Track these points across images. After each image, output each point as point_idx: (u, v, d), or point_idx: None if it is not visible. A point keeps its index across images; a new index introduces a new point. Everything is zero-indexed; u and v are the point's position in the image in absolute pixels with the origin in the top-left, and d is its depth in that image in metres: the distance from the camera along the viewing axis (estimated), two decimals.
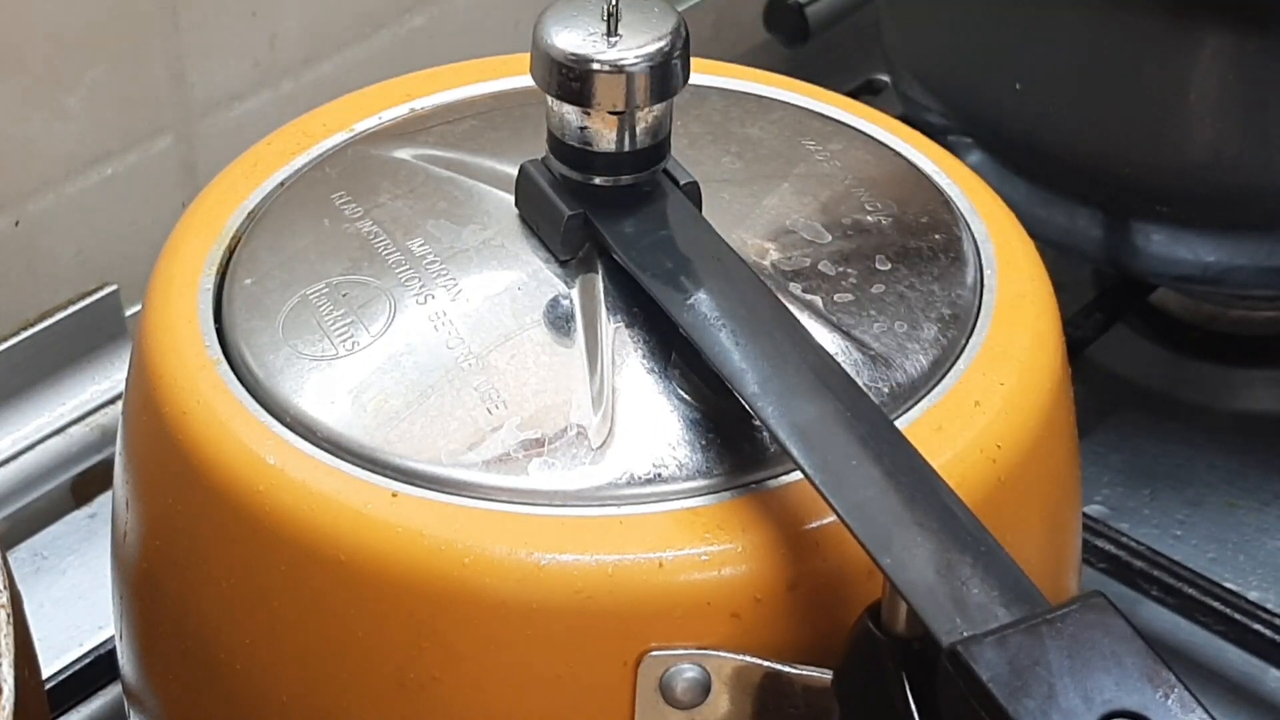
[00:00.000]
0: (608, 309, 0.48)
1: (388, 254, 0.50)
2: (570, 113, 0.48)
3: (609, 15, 0.47)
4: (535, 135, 0.52)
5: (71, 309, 0.70)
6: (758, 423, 0.45)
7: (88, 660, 0.63)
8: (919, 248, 0.51)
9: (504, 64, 0.57)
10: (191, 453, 0.47)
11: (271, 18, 0.73)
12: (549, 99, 0.48)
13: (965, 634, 0.40)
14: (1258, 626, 0.64)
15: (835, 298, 0.49)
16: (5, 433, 0.69)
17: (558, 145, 0.49)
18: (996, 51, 0.70)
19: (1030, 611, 0.40)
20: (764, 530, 0.44)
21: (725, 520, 0.44)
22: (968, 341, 0.49)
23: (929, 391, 0.48)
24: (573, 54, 0.47)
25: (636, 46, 0.47)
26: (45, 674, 0.56)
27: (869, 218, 0.52)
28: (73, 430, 0.69)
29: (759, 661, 0.44)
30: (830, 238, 0.51)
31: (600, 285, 0.49)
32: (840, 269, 0.50)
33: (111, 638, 0.62)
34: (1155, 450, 0.73)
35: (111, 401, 0.70)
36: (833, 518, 0.43)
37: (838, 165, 0.54)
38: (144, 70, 0.70)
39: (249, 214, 0.52)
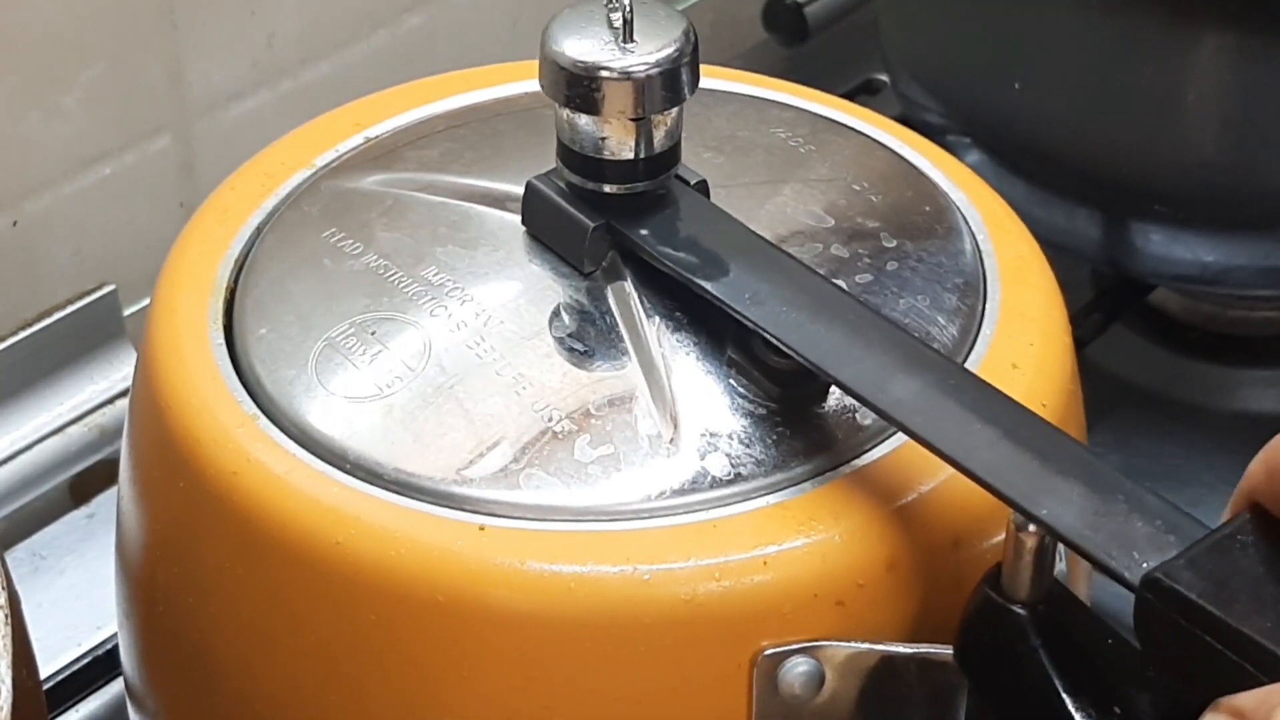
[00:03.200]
0: (647, 315, 0.48)
1: (404, 286, 0.49)
2: (586, 123, 0.48)
3: (624, 23, 0.47)
4: (516, 151, 0.52)
5: (70, 309, 0.70)
6: (827, 410, 0.46)
7: (86, 660, 0.63)
8: (918, 226, 0.52)
9: (447, 82, 0.57)
10: (252, 515, 0.45)
11: (270, 17, 0.73)
12: (561, 110, 0.48)
13: (1148, 564, 0.40)
14: None
15: (857, 279, 0.50)
16: (3, 432, 0.69)
17: (572, 157, 0.49)
18: (995, 51, 0.70)
19: (1197, 533, 0.41)
20: (855, 515, 0.45)
21: (816, 510, 0.45)
22: (985, 307, 0.50)
23: (966, 359, 0.49)
24: (587, 63, 0.47)
25: (651, 52, 0.47)
26: (43, 674, 0.56)
27: (869, 207, 0.52)
28: (71, 430, 0.69)
29: (871, 646, 0.44)
30: (836, 225, 0.51)
31: (633, 293, 0.48)
32: (853, 252, 0.51)
33: (109, 637, 0.62)
34: (1154, 450, 0.73)
35: (110, 401, 0.70)
36: (917, 494, 0.44)
37: (836, 165, 0.54)
38: (142, 69, 0.70)
39: (235, 262, 0.51)
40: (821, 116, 0.56)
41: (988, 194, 0.54)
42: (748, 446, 0.46)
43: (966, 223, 0.53)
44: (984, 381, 0.45)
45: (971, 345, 0.49)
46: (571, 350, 0.47)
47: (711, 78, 0.57)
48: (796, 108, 0.56)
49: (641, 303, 0.48)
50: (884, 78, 0.84)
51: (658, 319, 0.48)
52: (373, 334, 0.48)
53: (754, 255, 0.48)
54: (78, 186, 0.70)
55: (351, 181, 0.53)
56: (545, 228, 0.50)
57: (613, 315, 0.48)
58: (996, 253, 0.52)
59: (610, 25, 0.47)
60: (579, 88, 0.47)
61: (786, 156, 0.54)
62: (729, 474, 0.45)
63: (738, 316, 0.47)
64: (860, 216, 0.52)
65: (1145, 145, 0.67)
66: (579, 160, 0.49)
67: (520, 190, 0.50)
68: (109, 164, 0.70)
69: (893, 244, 0.51)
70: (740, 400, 0.47)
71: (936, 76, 0.73)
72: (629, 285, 0.49)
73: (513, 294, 0.49)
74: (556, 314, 0.48)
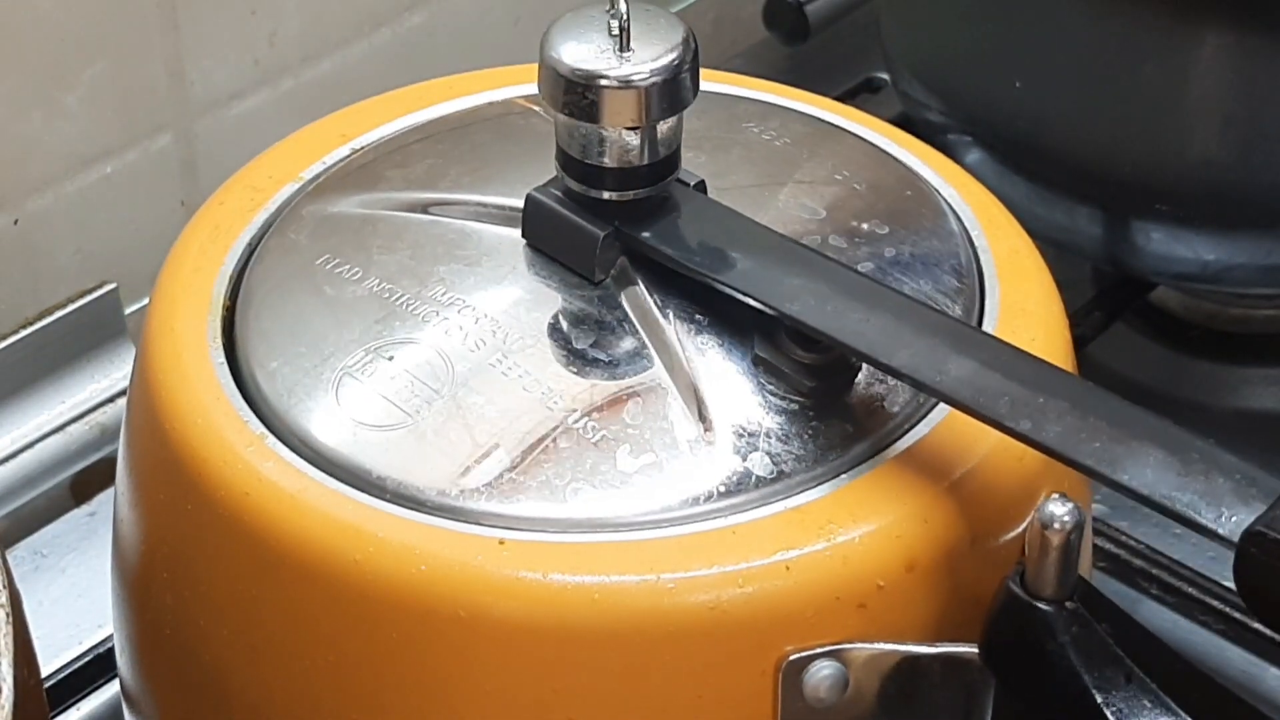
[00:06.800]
0: (664, 318, 0.48)
1: (413, 308, 0.49)
2: (589, 131, 0.48)
3: (621, 30, 0.47)
4: (501, 163, 0.52)
5: (71, 307, 0.70)
6: (841, 412, 0.46)
7: (87, 659, 0.63)
8: (914, 226, 0.52)
9: (432, 90, 0.57)
10: (266, 535, 0.45)
11: (271, 16, 0.73)
12: (563, 119, 0.48)
13: (1238, 519, 0.41)
14: (1257, 625, 0.64)
15: (860, 268, 0.50)
16: (5, 431, 0.69)
17: (575, 165, 0.48)
18: (996, 50, 0.70)
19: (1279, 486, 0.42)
20: (874, 516, 0.45)
21: (835, 512, 0.44)
22: (984, 304, 0.50)
23: None
24: (588, 72, 0.47)
25: (653, 59, 0.47)
26: (44, 672, 0.56)
27: (863, 209, 0.52)
28: (72, 428, 0.69)
29: (896, 647, 0.44)
30: (832, 226, 0.51)
31: (647, 297, 0.48)
32: (851, 242, 0.51)
33: (111, 636, 0.62)
34: None
35: (111, 399, 0.70)
36: (934, 493, 0.44)
37: (827, 167, 0.54)
38: (144, 68, 0.70)
39: (231, 280, 0.51)
40: (812, 118, 0.56)
41: (980, 191, 0.54)
42: (769, 451, 0.46)
43: (960, 220, 0.53)
44: (1034, 356, 0.45)
45: None
46: (596, 359, 0.47)
47: (709, 80, 0.56)
48: (792, 109, 0.56)
49: (658, 307, 0.48)
50: (885, 76, 0.84)
51: (678, 320, 0.48)
52: (390, 359, 0.47)
53: (773, 250, 0.48)
54: (79, 185, 0.70)
55: (337, 205, 0.52)
56: (550, 239, 0.50)
57: (631, 321, 0.48)
58: (992, 249, 0.52)
59: (610, 32, 0.47)
60: (581, 96, 0.47)
61: (780, 160, 0.54)
62: (748, 479, 0.45)
63: (774, 313, 0.47)
64: (854, 219, 0.52)
65: (1146, 143, 0.67)
66: (583, 169, 0.48)
67: (513, 202, 0.50)
68: (110, 162, 0.70)
69: (890, 245, 0.51)
70: (757, 405, 0.46)
71: (937, 75, 0.73)
72: (641, 290, 0.49)
73: (526, 308, 0.49)
74: (574, 325, 0.48)
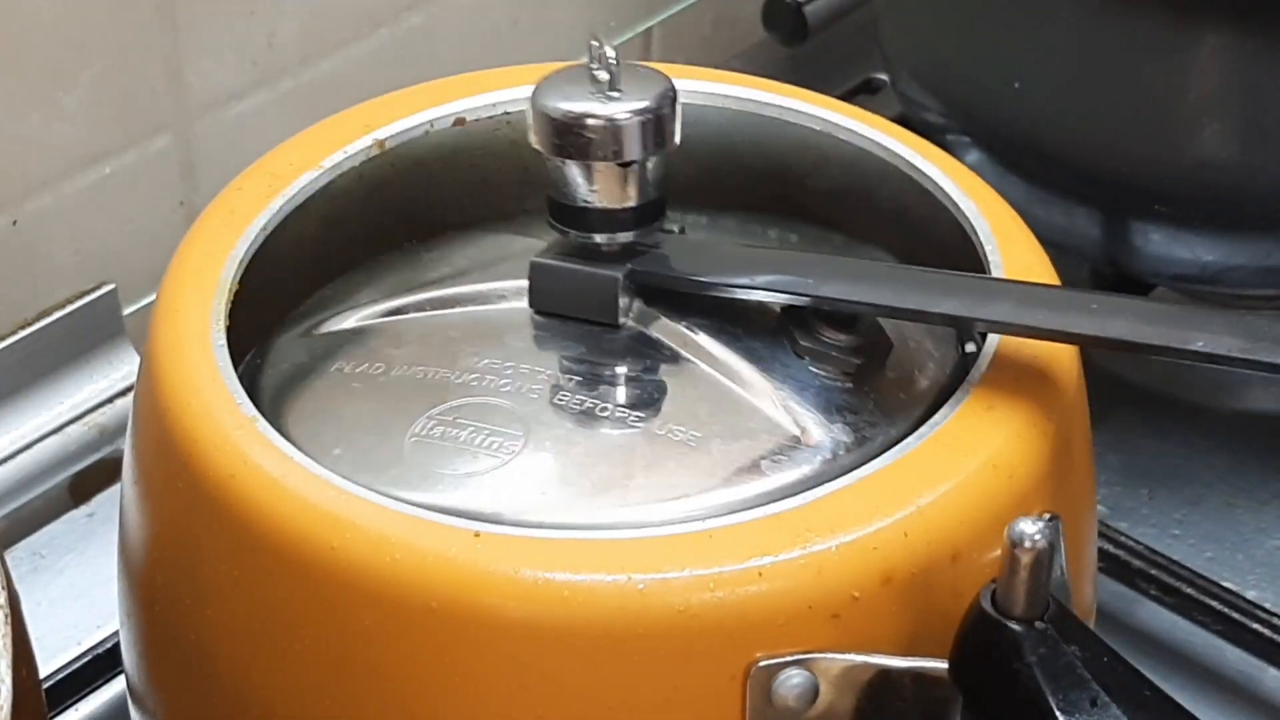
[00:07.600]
0: (703, 338, 0.49)
1: (457, 379, 0.48)
2: (600, 170, 0.48)
3: (610, 76, 0.48)
4: (463, 265, 0.53)
5: (69, 308, 0.70)
6: (824, 421, 0.47)
7: (86, 659, 0.63)
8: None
9: (455, 85, 0.57)
10: (248, 518, 0.45)
11: (270, 17, 0.73)
12: (572, 164, 0.48)
13: None
14: (1256, 625, 0.64)
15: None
16: (3, 431, 0.69)
17: (581, 215, 0.49)
18: (995, 50, 0.70)
19: None
20: (852, 527, 0.44)
21: (814, 521, 0.44)
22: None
23: (970, 372, 0.49)
24: (574, 113, 0.48)
25: (637, 99, 0.48)
26: (43, 673, 0.56)
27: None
28: (71, 429, 0.69)
29: (866, 659, 0.44)
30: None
31: (676, 325, 0.49)
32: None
33: (109, 636, 0.62)
34: (1153, 450, 0.73)
35: (109, 400, 0.70)
36: (915, 506, 0.44)
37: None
38: (142, 69, 0.70)
39: (241, 263, 0.51)
40: (817, 118, 0.56)
41: (996, 202, 0.53)
42: (748, 455, 0.46)
43: (975, 233, 0.52)
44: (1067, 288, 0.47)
45: (975, 358, 0.49)
46: (654, 383, 0.48)
47: (709, 80, 0.56)
48: (794, 110, 0.56)
49: (690, 330, 0.49)
50: (884, 77, 0.84)
51: (714, 339, 0.49)
52: (458, 421, 0.47)
53: (784, 260, 0.49)
54: (78, 186, 0.70)
55: (322, 328, 0.52)
56: (563, 297, 0.50)
57: (671, 348, 0.49)
58: (1004, 264, 0.51)
59: (592, 81, 0.48)
60: (594, 135, 0.48)
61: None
62: (728, 482, 0.45)
63: (810, 300, 0.48)
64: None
65: (1145, 144, 0.67)
66: (589, 215, 0.49)
67: (502, 285, 0.51)
68: (109, 163, 0.70)
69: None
70: (764, 410, 0.47)
71: (936, 76, 0.73)
72: (667, 321, 0.49)
73: (569, 359, 0.49)
74: (624, 364, 0.49)
